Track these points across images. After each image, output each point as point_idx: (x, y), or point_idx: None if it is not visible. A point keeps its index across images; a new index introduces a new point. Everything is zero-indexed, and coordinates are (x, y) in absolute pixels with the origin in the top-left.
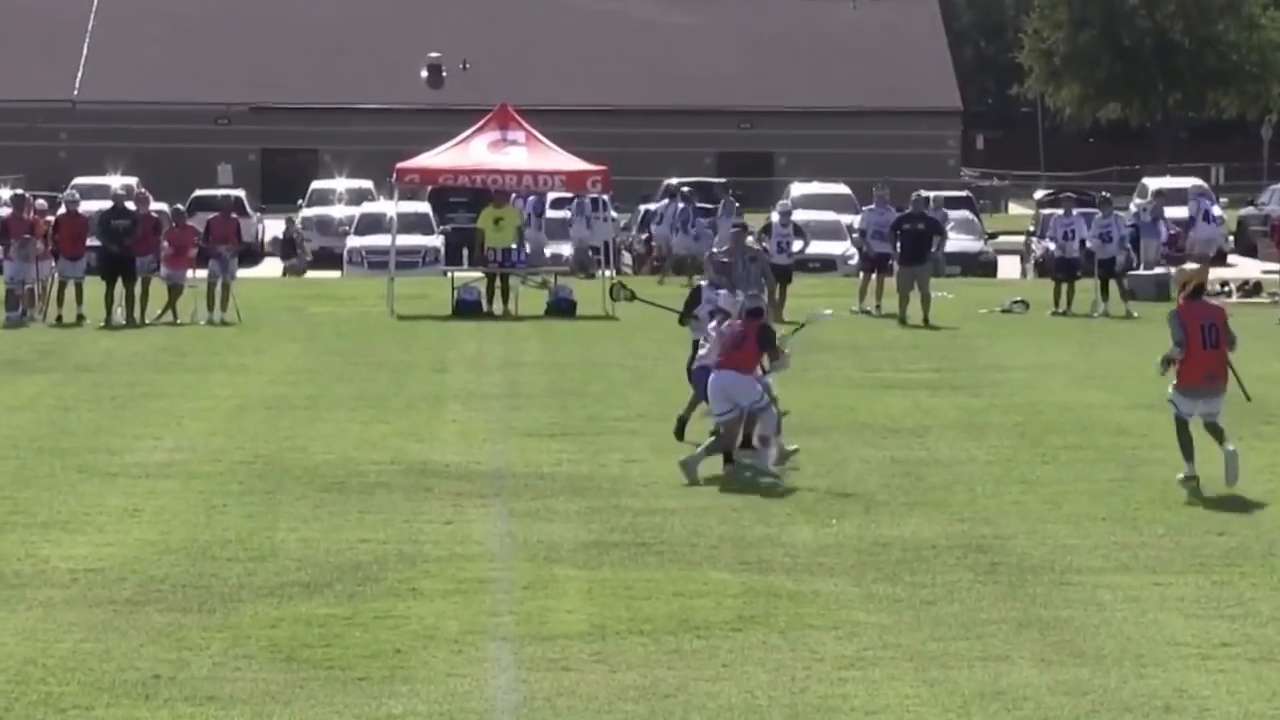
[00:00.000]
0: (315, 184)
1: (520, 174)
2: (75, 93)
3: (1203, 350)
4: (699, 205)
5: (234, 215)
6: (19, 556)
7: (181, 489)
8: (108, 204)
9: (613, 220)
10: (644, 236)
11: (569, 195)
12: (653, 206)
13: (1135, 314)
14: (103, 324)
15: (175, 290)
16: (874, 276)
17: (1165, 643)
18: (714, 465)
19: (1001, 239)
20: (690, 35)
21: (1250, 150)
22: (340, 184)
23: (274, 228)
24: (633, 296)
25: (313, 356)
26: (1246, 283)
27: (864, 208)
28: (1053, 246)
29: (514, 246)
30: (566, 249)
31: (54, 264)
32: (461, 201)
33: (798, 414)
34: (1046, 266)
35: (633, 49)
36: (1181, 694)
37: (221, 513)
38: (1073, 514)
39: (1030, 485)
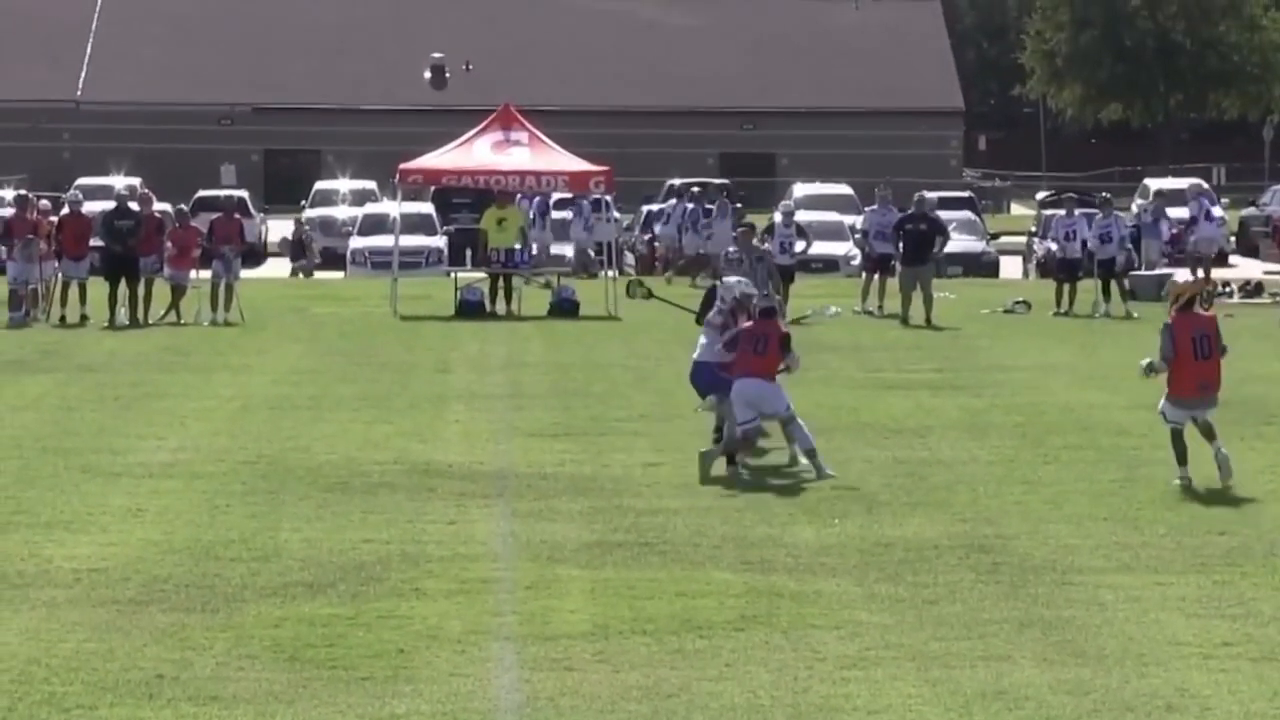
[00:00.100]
0: (318, 185)
1: (523, 174)
2: (78, 93)
3: (1194, 361)
4: (708, 205)
5: (237, 216)
6: (23, 556)
7: (185, 489)
8: (111, 204)
9: (615, 221)
10: (647, 237)
11: (570, 196)
12: (655, 207)
13: (1136, 315)
14: (106, 324)
15: (178, 290)
16: (876, 277)
17: (1167, 642)
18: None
19: (1003, 239)
20: (692, 36)
21: (1252, 151)
22: (343, 185)
23: (277, 228)
24: (649, 294)
25: (316, 357)
26: (1248, 283)
27: (866, 208)
28: (1054, 247)
29: (517, 247)
30: (567, 249)
31: (57, 264)
32: (464, 202)
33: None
34: (1048, 267)
35: (635, 50)
36: (1183, 693)
37: (225, 513)
38: (1074, 514)
39: (1032, 485)
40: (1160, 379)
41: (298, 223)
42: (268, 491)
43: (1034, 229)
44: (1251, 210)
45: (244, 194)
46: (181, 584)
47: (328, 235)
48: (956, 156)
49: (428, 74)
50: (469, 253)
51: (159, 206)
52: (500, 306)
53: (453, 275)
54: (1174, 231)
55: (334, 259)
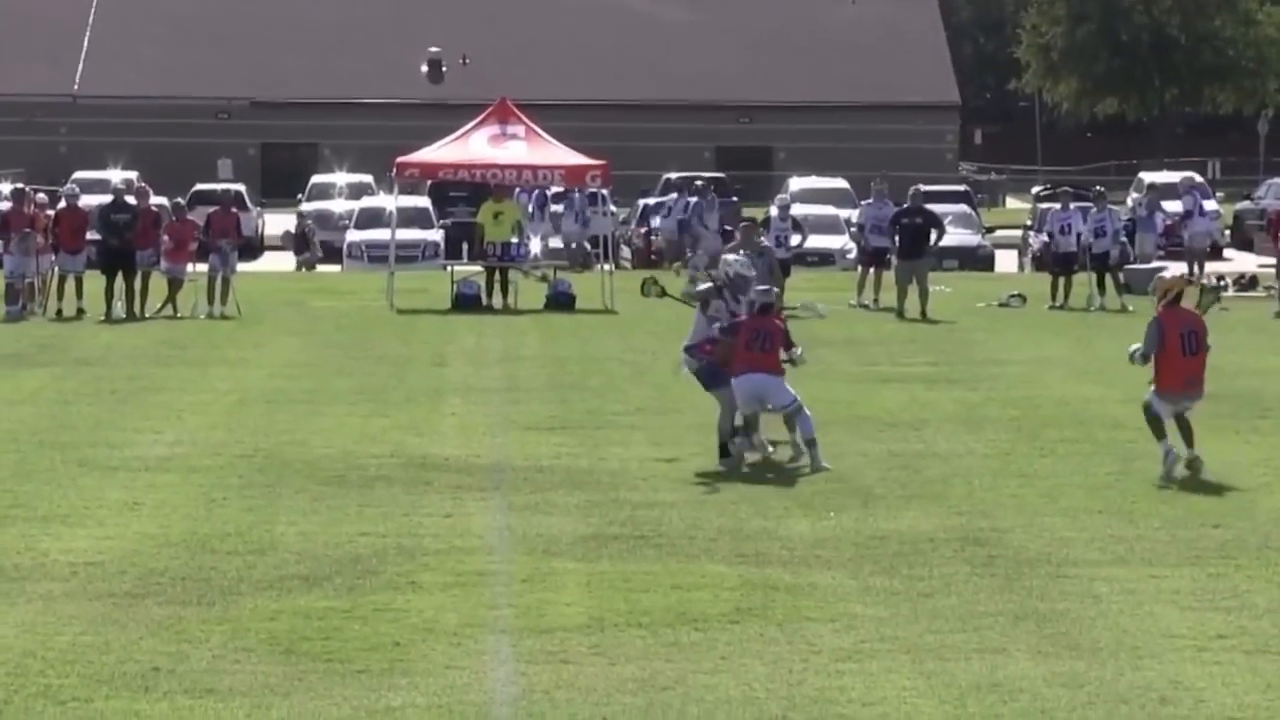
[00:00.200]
0: (315, 178)
1: (520, 168)
2: (76, 87)
3: (1183, 357)
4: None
5: (234, 209)
6: (19, 550)
7: (181, 482)
8: (108, 198)
9: (612, 214)
10: (643, 230)
11: (562, 190)
12: (651, 201)
13: (1131, 308)
14: (103, 318)
15: (175, 284)
16: (872, 271)
17: (1161, 635)
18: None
19: (999, 233)
20: (689, 30)
21: (1246, 145)
22: (340, 178)
23: (274, 222)
24: (663, 293)
25: (312, 350)
26: (1242, 276)
27: (862, 202)
28: (1049, 240)
29: (514, 241)
30: (555, 242)
31: (54, 258)
32: (461, 196)
33: None
34: (1044, 261)
35: (632, 44)
36: (1177, 686)
37: (221, 506)
38: (1069, 507)
39: (1027, 479)
40: (1148, 370)
41: (300, 216)
42: (264, 485)
43: (1029, 223)
44: (1246, 204)
45: (241, 188)
46: (178, 577)
47: (324, 229)
48: (952, 150)
49: (424, 68)
50: (465, 246)
51: (156, 200)
52: (497, 300)
53: (449, 269)
54: (1168, 224)
55: (331, 253)
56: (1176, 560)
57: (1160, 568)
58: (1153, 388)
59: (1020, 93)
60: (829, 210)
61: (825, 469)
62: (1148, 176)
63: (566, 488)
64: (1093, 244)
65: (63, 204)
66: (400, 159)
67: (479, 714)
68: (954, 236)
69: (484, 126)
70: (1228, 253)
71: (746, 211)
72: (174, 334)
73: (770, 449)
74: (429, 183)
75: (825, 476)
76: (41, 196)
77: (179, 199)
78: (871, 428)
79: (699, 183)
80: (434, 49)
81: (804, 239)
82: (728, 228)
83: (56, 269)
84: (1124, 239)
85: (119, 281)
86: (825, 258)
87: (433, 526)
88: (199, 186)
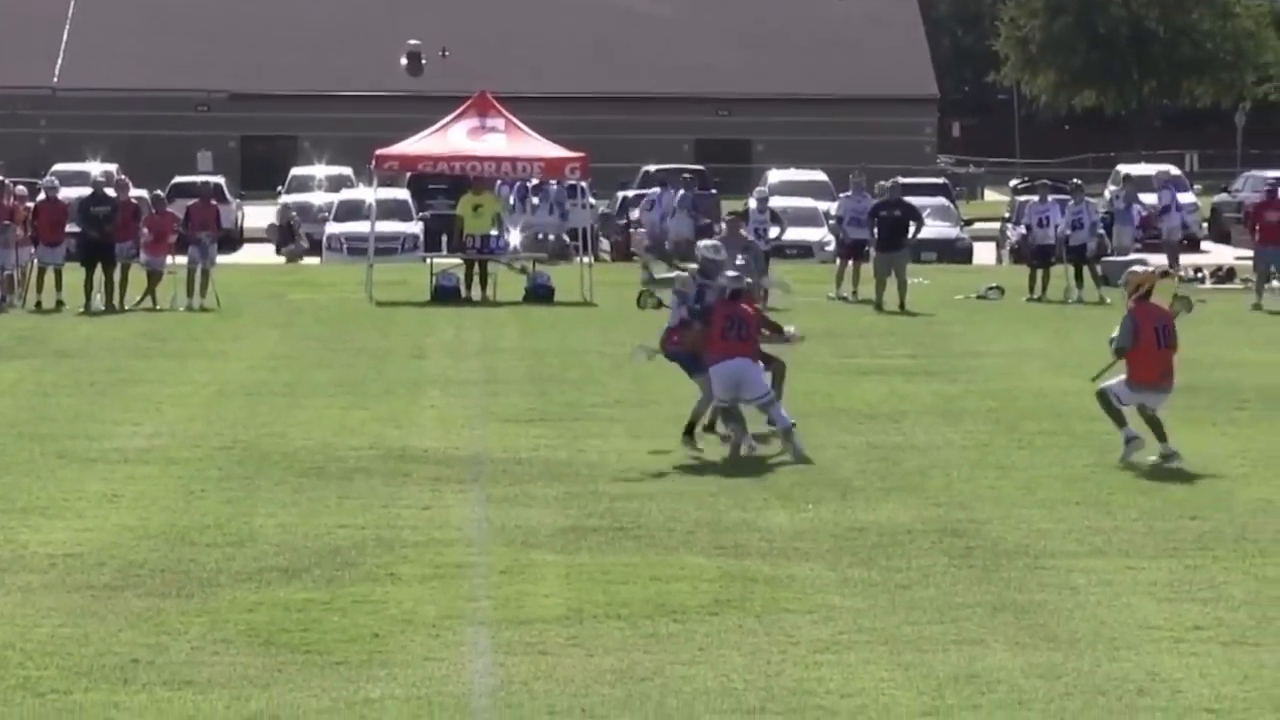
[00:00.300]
0: (295, 170)
1: (499, 161)
2: (55, 80)
3: (1158, 349)
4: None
5: (213, 202)
6: None
7: (160, 474)
8: (87, 190)
9: (591, 207)
10: (622, 222)
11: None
12: (630, 193)
13: (1109, 300)
14: (82, 310)
15: (154, 276)
16: (850, 263)
17: (1138, 626)
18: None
19: (977, 226)
20: (668, 23)
21: (1224, 138)
22: (319, 171)
23: (254, 214)
24: (660, 304)
25: (292, 343)
26: (1220, 269)
27: (841, 194)
28: (1026, 232)
29: (493, 233)
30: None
31: (33, 250)
32: (440, 188)
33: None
34: (1022, 253)
35: (611, 37)
36: (1154, 677)
37: (200, 498)
38: (1047, 499)
39: (1005, 470)
40: (1109, 362)
41: (285, 208)
42: (243, 477)
43: (1008, 215)
44: (1224, 197)
45: (220, 180)
46: (157, 569)
47: (304, 221)
48: (931, 143)
49: (404, 61)
50: (445, 239)
51: (135, 193)
52: (476, 292)
53: (428, 261)
54: (1143, 215)
55: (310, 245)
56: (1154, 552)
57: (1137, 559)
58: (1122, 380)
59: (998, 85)
60: (807, 203)
61: (806, 459)
62: (1127, 169)
63: (545, 480)
64: (1070, 236)
65: (42, 196)
66: (379, 151)
67: (457, 705)
68: (932, 229)
69: (463, 119)
70: (1205, 245)
71: (725, 204)
72: (153, 326)
73: (755, 447)
74: (408, 175)
75: (804, 468)
76: (21, 189)
77: (158, 191)
78: (850, 420)
79: (686, 175)
80: (413, 42)
81: (782, 231)
82: (707, 220)
83: (36, 261)
84: (1101, 231)
85: (98, 274)
86: (804, 250)
87: (411, 518)
88: (178, 179)
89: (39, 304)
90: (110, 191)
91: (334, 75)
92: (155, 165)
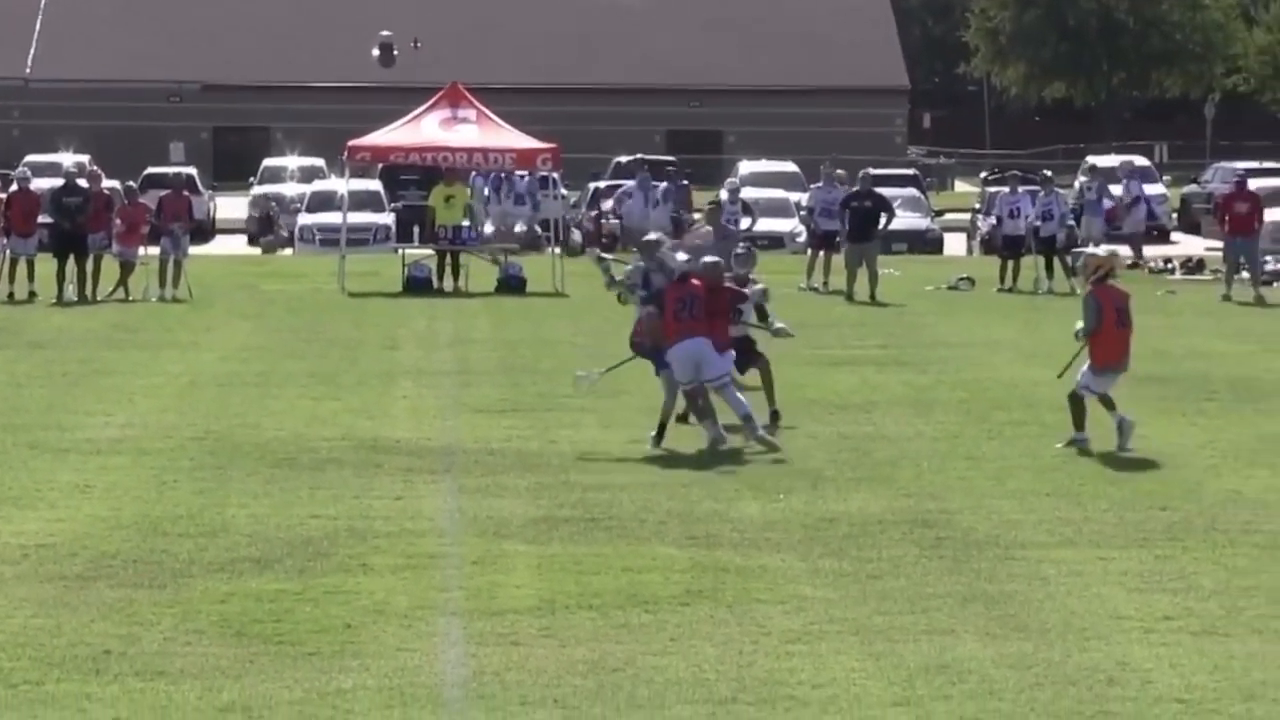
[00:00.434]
0: (267, 161)
1: (471, 152)
2: (28, 71)
3: (1117, 329)
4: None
5: (186, 193)
6: None
7: (133, 465)
8: (60, 181)
9: (563, 198)
10: (593, 214)
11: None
12: (603, 184)
13: (1079, 291)
14: (54, 301)
15: (127, 267)
16: (821, 254)
17: (1108, 616)
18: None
19: (948, 217)
20: (639, 14)
21: (1194, 129)
22: (292, 162)
23: (226, 205)
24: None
25: (264, 333)
26: (1190, 260)
27: (812, 185)
28: (997, 223)
29: (465, 224)
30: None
31: (5, 241)
32: (412, 179)
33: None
34: (992, 244)
35: (583, 28)
36: (1124, 667)
37: (172, 489)
38: (1017, 489)
39: (976, 461)
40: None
41: (265, 199)
42: (215, 468)
43: (978, 206)
44: (1193, 188)
45: (193, 171)
46: (129, 560)
47: (283, 212)
48: (901, 134)
49: (376, 52)
50: (417, 230)
51: (108, 184)
52: (448, 283)
53: (400, 252)
54: (1109, 206)
55: (288, 235)
56: (1124, 542)
57: (1108, 549)
58: (1086, 368)
59: (969, 77)
60: (778, 194)
61: (771, 442)
62: (1096, 160)
63: (517, 470)
64: (1040, 227)
65: (14, 187)
66: (351, 142)
67: (430, 696)
68: (903, 220)
69: (435, 110)
70: (1175, 236)
71: (696, 195)
72: (125, 317)
73: (725, 440)
74: (380, 166)
75: (775, 458)
76: None
77: (131, 182)
78: (821, 410)
79: (670, 168)
80: (385, 33)
81: (754, 222)
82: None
83: (8, 252)
84: (1071, 222)
85: (71, 265)
86: (775, 241)
87: (384, 509)
88: (151, 170)
89: (11, 295)
90: (83, 182)
91: (306, 66)
92: (128, 156)
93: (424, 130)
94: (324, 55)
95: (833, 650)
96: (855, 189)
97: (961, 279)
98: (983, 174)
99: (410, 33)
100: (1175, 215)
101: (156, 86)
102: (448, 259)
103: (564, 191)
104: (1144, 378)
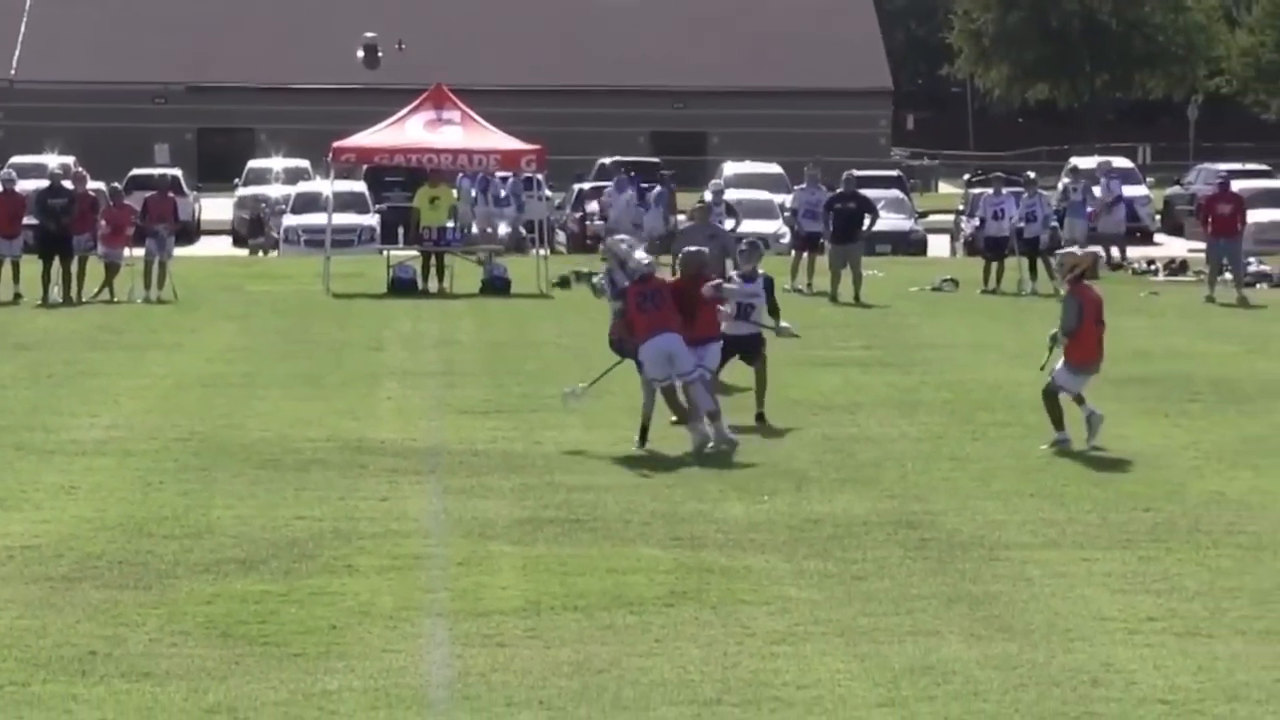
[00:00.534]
0: (252, 163)
1: (455, 153)
2: (13, 72)
3: (1094, 327)
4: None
5: (171, 194)
6: None
7: (118, 466)
8: (45, 183)
9: (547, 199)
10: (578, 215)
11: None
12: (587, 185)
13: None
14: (39, 302)
15: (112, 269)
16: (805, 255)
17: (1092, 617)
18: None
19: (931, 218)
20: (623, 15)
21: (1177, 131)
22: (276, 163)
23: (211, 207)
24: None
25: (249, 335)
26: (1173, 261)
27: (796, 187)
28: (980, 224)
29: (449, 225)
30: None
31: None
32: (397, 181)
33: (724, 391)
34: (976, 245)
35: (567, 29)
36: (1108, 668)
37: (158, 490)
38: (1002, 490)
39: (960, 462)
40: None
41: (256, 200)
42: (200, 469)
43: (961, 208)
44: (1176, 189)
45: (177, 172)
46: (114, 561)
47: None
48: (885, 135)
49: (360, 53)
50: (401, 231)
51: (93, 185)
52: (433, 284)
53: (385, 253)
54: (1091, 210)
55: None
56: (1108, 543)
57: (1091, 551)
58: (1060, 365)
59: (952, 78)
60: (763, 195)
61: (733, 440)
62: (1080, 162)
63: (502, 471)
64: (1024, 229)
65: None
66: (336, 144)
67: (415, 697)
68: (887, 221)
69: (420, 112)
70: (1158, 238)
71: (680, 197)
72: (110, 319)
73: (710, 440)
74: (365, 168)
75: (760, 459)
76: None
77: (116, 184)
78: (805, 411)
79: (664, 172)
80: (370, 34)
81: (738, 224)
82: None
83: None
84: (1054, 224)
85: (56, 266)
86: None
87: (369, 510)
88: (135, 171)
89: None
90: (67, 184)
91: (291, 68)
92: (112, 158)
93: (409, 132)
94: (308, 57)
95: (817, 651)
96: (839, 190)
97: (945, 280)
98: (966, 176)
99: (394, 34)
100: (1158, 217)
101: (141, 88)
102: (432, 260)
103: (548, 193)
104: (1127, 379)
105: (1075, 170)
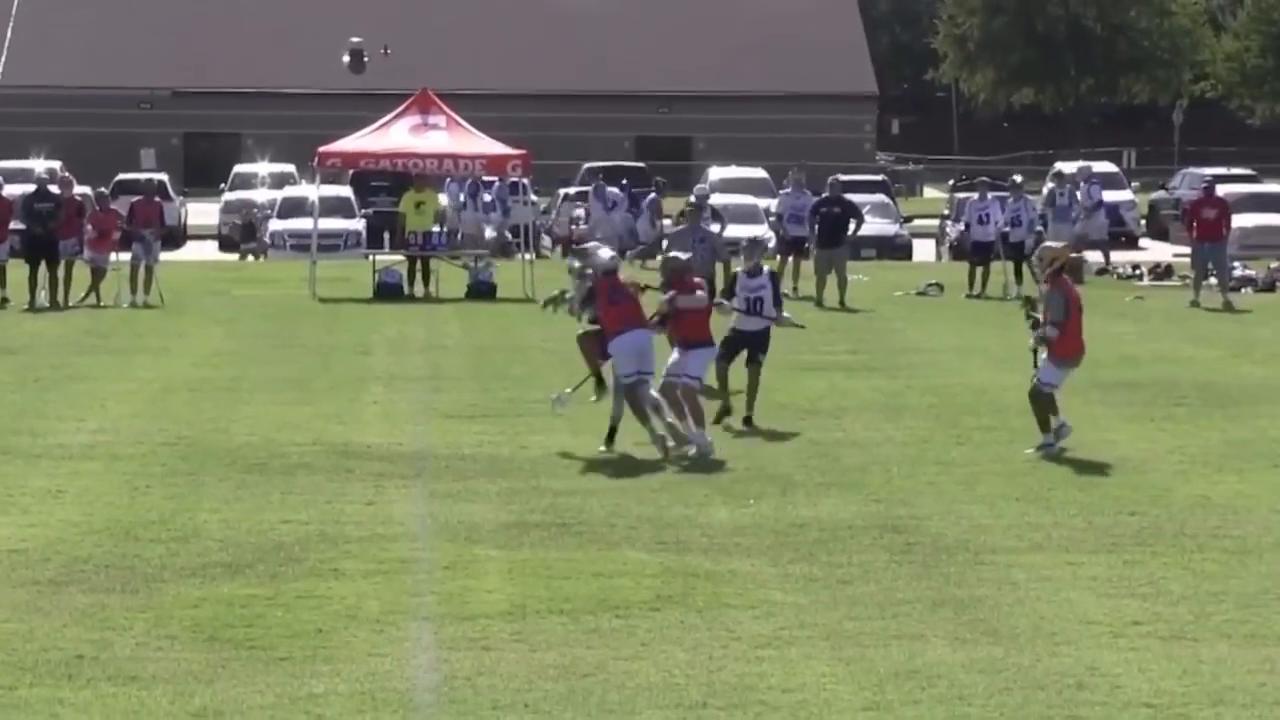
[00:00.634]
0: (238, 168)
1: (441, 158)
2: None
3: (1079, 319)
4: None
5: (157, 199)
6: None
7: (105, 470)
8: (31, 188)
9: (533, 204)
10: (564, 220)
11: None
12: (572, 190)
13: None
14: (26, 307)
15: (98, 273)
16: (790, 259)
17: (1077, 621)
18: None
19: (916, 223)
20: (609, 20)
21: (1162, 135)
22: (262, 168)
23: (197, 212)
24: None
25: (235, 339)
26: (1158, 266)
27: (781, 191)
28: (966, 229)
29: (435, 230)
30: (490, 231)
31: None
32: (383, 185)
33: (712, 395)
34: (961, 250)
35: (552, 34)
36: (1093, 672)
37: (144, 494)
38: (987, 494)
39: (945, 466)
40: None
41: (249, 205)
42: (187, 473)
43: (946, 212)
44: (1161, 194)
45: (164, 177)
46: (101, 565)
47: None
48: (870, 140)
49: (346, 58)
50: (387, 235)
51: (79, 190)
52: (419, 289)
53: (371, 258)
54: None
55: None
56: (1093, 547)
57: (1077, 554)
58: (1047, 364)
59: (937, 83)
60: (748, 200)
61: (664, 445)
62: (1065, 166)
63: (488, 475)
64: (1009, 233)
65: None
66: (322, 149)
67: (401, 701)
68: (872, 226)
69: (405, 116)
70: (1143, 242)
71: (665, 202)
72: (97, 323)
73: (671, 443)
74: (351, 172)
75: (745, 464)
76: None
77: (102, 188)
78: (791, 415)
79: (660, 179)
80: (355, 39)
81: (723, 228)
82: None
83: None
84: (1040, 228)
85: (42, 270)
86: None
87: (355, 514)
88: (122, 176)
89: None
90: (54, 188)
91: (277, 73)
92: (99, 162)
93: (394, 136)
94: (294, 62)
95: (803, 655)
96: (824, 195)
97: (930, 285)
98: (951, 180)
99: (380, 39)
100: (1143, 221)
101: (127, 93)
102: (418, 265)
103: (534, 198)
104: (1113, 384)
105: (1060, 175)
